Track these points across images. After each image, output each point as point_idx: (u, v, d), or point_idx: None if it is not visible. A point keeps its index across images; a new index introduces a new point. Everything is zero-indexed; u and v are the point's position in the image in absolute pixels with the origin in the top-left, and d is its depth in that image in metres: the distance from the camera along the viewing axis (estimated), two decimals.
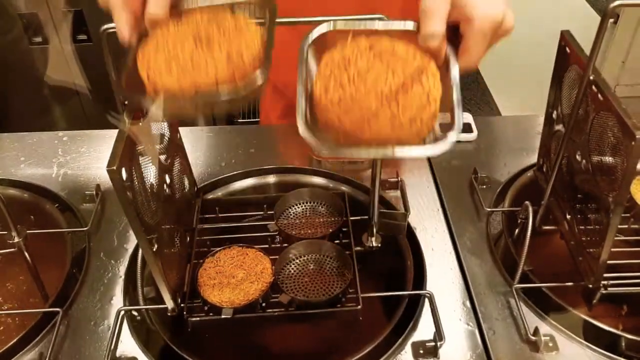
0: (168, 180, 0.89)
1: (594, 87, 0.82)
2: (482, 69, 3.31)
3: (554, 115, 0.99)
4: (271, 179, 1.17)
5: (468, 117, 1.29)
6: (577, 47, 0.87)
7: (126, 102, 0.78)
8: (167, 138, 0.91)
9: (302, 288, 0.91)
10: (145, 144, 0.77)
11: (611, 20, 3.73)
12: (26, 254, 0.95)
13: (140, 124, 0.72)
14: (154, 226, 0.79)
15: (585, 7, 3.93)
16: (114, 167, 0.67)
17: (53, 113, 2.35)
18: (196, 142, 1.26)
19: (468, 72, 0.68)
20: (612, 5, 0.73)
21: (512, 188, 1.13)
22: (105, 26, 0.72)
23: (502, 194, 1.12)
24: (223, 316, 0.85)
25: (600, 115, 0.81)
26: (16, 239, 0.92)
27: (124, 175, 0.69)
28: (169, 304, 0.84)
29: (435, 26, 0.64)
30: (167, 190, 0.88)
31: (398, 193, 1.11)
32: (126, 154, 0.71)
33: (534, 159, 1.20)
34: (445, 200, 1.11)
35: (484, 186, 1.13)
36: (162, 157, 0.88)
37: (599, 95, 0.81)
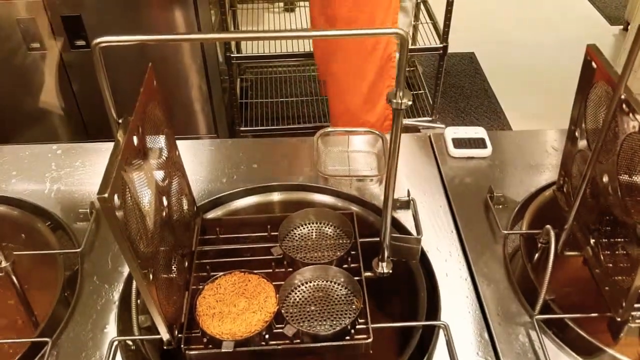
0: (165, 203, 0.83)
1: (625, 107, 0.76)
2: (490, 76, 3.25)
3: (577, 133, 0.94)
4: (275, 196, 1.11)
5: (482, 132, 1.23)
6: (605, 63, 0.81)
7: (120, 121, 0.72)
8: (165, 156, 0.85)
9: (308, 317, 0.85)
10: (143, 180, 0.72)
11: (621, 27, 3.67)
12: (14, 278, 0.89)
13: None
14: (149, 255, 0.73)
15: (594, 14, 3.87)
16: (105, 195, 0.61)
17: (51, 121, 2.30)
18: (195, 157, 1.20)
19: None
20: None
21: (529, 208, 1.07)
22: (98, 40, 0.66)
23: (520, 215, 1.06)
24: (223, 350, 0.79)
25: (632, 136, 0.75)
26: (3, 264, 0.87)
27: (117, 202, 0.63)
28: (165, 336, 0.78)
29: None
30: (164, 213, 0.82)
31: (409, 212, 1.05)
32: (119, 178, 0.65)
33: (550, 176, 1.14)
34: (459, 221, 1.05)
35: (500, 206, 1.07)
36: (159, 177, 0.82)
37: (631, 115, 0.75)
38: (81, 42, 2.04)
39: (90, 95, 2.23)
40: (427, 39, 2.60)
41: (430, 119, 2.72)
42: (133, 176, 0.71)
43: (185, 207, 0.93)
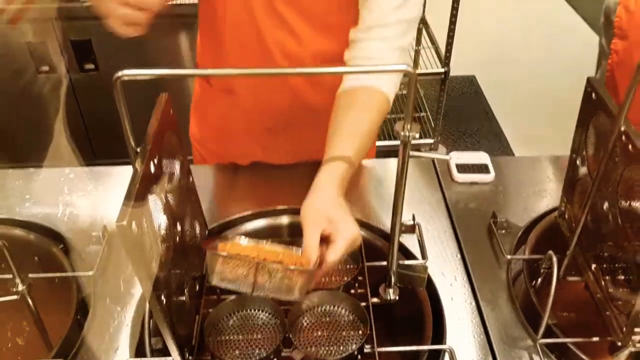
0: (179, 228, 0.85)
1: (624, 138, 0.79)
2: (490, 99, 3.30)
3: (578, 161, 0.96)
4: (284, 220, 1.13)
5: (484, 157, 1.26)
6: (605, 95, 0.84)
7: (138, 150, 0.75)
8: (179, 182, 0.88)
9: (315, 343, 0.87)
10: (159, 206, 0.74)
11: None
12: (30, 301, 0.91)
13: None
14: (162, 279, 0.75)
15: (594, 38, 3.92)
16: (124, 223, 0.63)
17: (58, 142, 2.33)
18: (206, 180, 1.22)
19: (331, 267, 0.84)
20: None
21: (532, 233, 1.09)
22: (120, 73, 0.68)
23: (523, 240, 1.08)
24: None
25: (632, 167, 0.78)
26: (20, 287, 0.89)
27: (135, 228, 0.66)
28: (177, 359, 0.80)
29: (311, 243, 0.82)
30: (177, 238, 0.84)
31: (414, 237, 1.08)
32: (137, 205, 0.67)
33: (551, 201, 1.17)
34: (463, 245, 1.07)
35: (503, 231, 1.10)
36: (174, 203, 0.85)
37: (630, 147, 0.77)
38: (90, 66, 2.09)
39: (98, 118, 2.27)
40: (429, 62, 2.64)
41: (432, 141, 2.76)
42: (150, 203, 0.73)
43: (198, 231, 0.96)
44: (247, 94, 1.17)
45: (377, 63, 0.98)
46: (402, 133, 0.72)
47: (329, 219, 0.84)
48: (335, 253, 0.82)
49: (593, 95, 0.87)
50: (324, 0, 1.03)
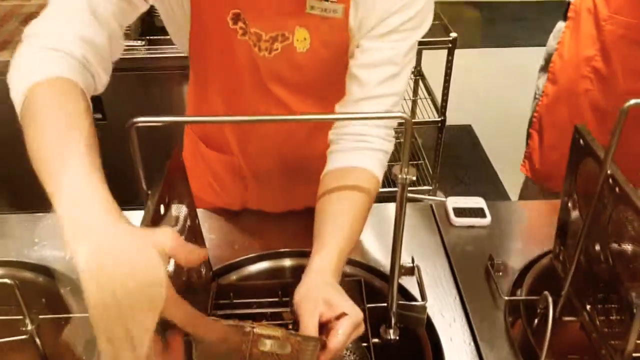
0: (185, 268, 0.88)
1: (611, 181, 0.83)
2: (486, 147, 3.36)
3: (570, 204, 1.00)
4: (287, 262, 1.16)
5: (481, 202, 1.29)
6: (592, 142, 0.88)
7: (149, 192, 0.79)
8: (186, 224, 0.91)
9: None
10: None
11: None
12: (38, 341, 0.93)
13: None
14: (169, 321, 0.77)
15: None
16: None
17: None
18: (210, 224, 1.26)
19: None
20: (627, 104, 0.75)
21: (528, 275, 1.12)
22: (134, 120, 0.73)
23: (519, 281, 1.11)
24: None
25: (619, 209, 0.82)
26: (29, 327, 0.91)
27: None
28: None
29: (309, 328, 0.76)
30: (184, 279, 0.87)
31: (414, 279, 1.10)
32: None
33: (547, 244, 1.20)
34: (462, 287, 1.10)
35: (500, 273, 1.12)
36: None
37: (617, 189, 0.81)
38: (98, 115, 2.15)
39: (106, 165, 2.30)
40: (426, 112, 2.72)
41: (430, 187, 2.80)
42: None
43: (203, 272, 0.98)
44: (237, 151, 1.20)
45: (363, 140, 0.97)
46: (400, 176, 0.76)
47: (328, 303, 0.78)
48: (339, 339, 0.75)
49: (581, 141, 0.92)
50: (316, 77, 1.05)
